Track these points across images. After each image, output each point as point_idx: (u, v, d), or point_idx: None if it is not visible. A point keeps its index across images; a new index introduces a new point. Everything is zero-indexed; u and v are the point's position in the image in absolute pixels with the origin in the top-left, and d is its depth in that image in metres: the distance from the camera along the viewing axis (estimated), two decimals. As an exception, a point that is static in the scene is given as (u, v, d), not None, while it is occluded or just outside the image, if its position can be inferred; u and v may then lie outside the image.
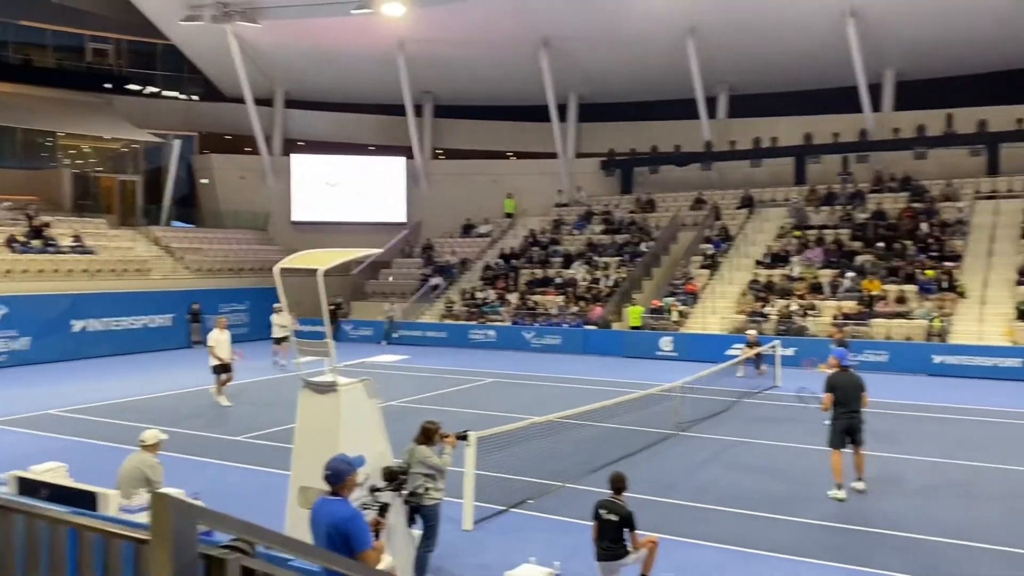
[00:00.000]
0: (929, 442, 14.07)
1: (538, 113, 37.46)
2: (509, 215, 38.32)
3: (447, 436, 8.22)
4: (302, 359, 8.48)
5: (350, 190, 38.95)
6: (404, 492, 7.66)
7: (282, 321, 21.68)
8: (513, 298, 31.15)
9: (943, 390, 19.49)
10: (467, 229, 38.54)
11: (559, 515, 10.00)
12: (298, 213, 38.65)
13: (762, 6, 29.36)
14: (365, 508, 5.92)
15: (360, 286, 36.18)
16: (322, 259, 8.34)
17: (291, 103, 40.45)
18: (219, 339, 17.83)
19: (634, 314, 27.62)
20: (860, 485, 11.04)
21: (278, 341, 22.83)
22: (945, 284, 24.85)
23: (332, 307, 31.70)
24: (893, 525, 9.73)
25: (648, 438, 13.93)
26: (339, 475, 5.21)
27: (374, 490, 6.40)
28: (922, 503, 10.63)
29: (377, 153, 40.52)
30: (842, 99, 32.56)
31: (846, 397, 11.02)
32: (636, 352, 26.11)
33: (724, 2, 29.84)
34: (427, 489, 7.90)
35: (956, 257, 26.16)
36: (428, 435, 8.07)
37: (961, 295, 24.50)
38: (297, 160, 39.03)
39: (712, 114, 35.57)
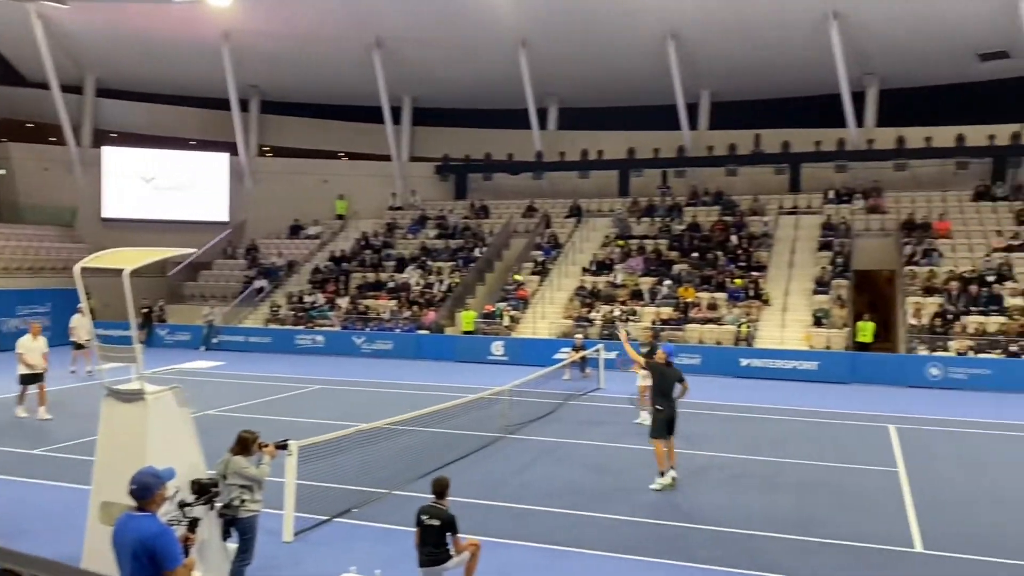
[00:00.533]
0: (735, 439, 15.03)
1: (371, 114, 37.03)
2: (340, 217, 37.60)
3: (266, 445, 7.88)
4: (105, 365, 7.89)
5: (168, 186, 36.83)
6: (217, 505, 7.27)
7: (81, 324, 20.20)
8: (343, 302, 30.54)
9: (749, 391, 20.92)
10: (295, 230, 37.44)
11: (384, 523, 9.85)
12: (109, 209, 36.09)
13: (591, 24, 30.44)
14: (173, 523, 5.56)
15: (177, 288, 34.29)
16: (130, 258, 7.79)
17: (103, 91, 37.79)
18: (30, 346, 16.31)
19: (467, 319, 27.81)
20: (673, 474, 11.64)
21: (78, 346, 21.17)
22: (752, 292, 26.73)
23: (145, 310, 29.83)
24: (705, 518, 10.30)
25: (476, 442, 14.03)
26: (146, 489, 4.86)
27: (183, 505, 6.02)
28: (728, 496, 11.32)
29: (199, 148, 38.55)
30: (663, 117, 34.34)
31: (668, 387, 11.62)
32: (468, 357, 26.28)
33: (556, 16, 30.70)
34: (243, 501, 7.54)
35: (762, 267, 28.19)
36: (245, 445, 7.70)
37: (766, 303, 26.42)
38: (109, 152, 36.45)
39: (543, 125, 36.51)
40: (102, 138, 37.54)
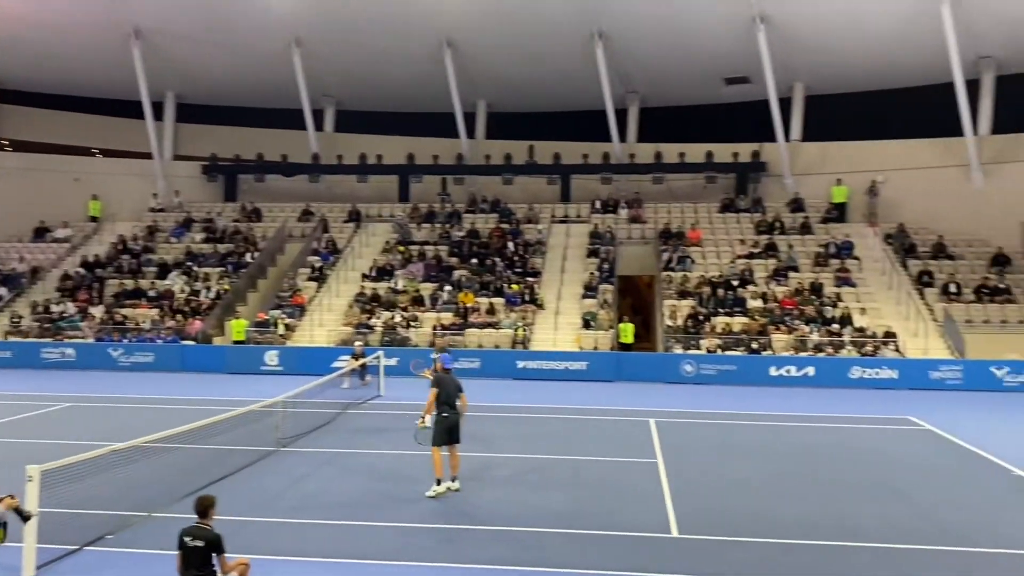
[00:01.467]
0: (512, 439, 15.47)
1: (131, 109, 34.37)
2: (94, 219, 34.55)
3: (7, 498, 6.99)
4: None
5: None
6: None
7: None
8: (98, 312, 28.04)
9: (525, 392, 21.64)
10: (40, 233, 33.88)
11: (142, 548, 9.10)
12: None
13: (367, 27, 30.20)
14: None
15: None
16: None
17: None
18: None
19: (237, 328, 26.52)
20: (455, 485, 11.72)
21: None
22: (527, 297, 27.70)
23: None
24: (483, 518, 10.48)
25: (247, 457, 13.38)
26: None
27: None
28: (505, 494, 11.60)
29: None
30: (442, 124, 34.78)
31: (448, 396, 11.69)
32: (240, 368, 25.08)
33: (331, 17, 30.16)
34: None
35: (536, 273, 29.32)
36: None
37: (540, 307, 27.49)
38: None
39: (320, 127, 35.68)
40: None
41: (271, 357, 25.38)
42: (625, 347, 25.97)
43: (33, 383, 22.09)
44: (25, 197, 33.87)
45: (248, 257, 30.89)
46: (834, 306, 26.00)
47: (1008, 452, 14.38)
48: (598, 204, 32.99)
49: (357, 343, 23.88)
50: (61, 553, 8.76)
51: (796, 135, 32.76)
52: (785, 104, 32.10)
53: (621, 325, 26.18)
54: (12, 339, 26.98)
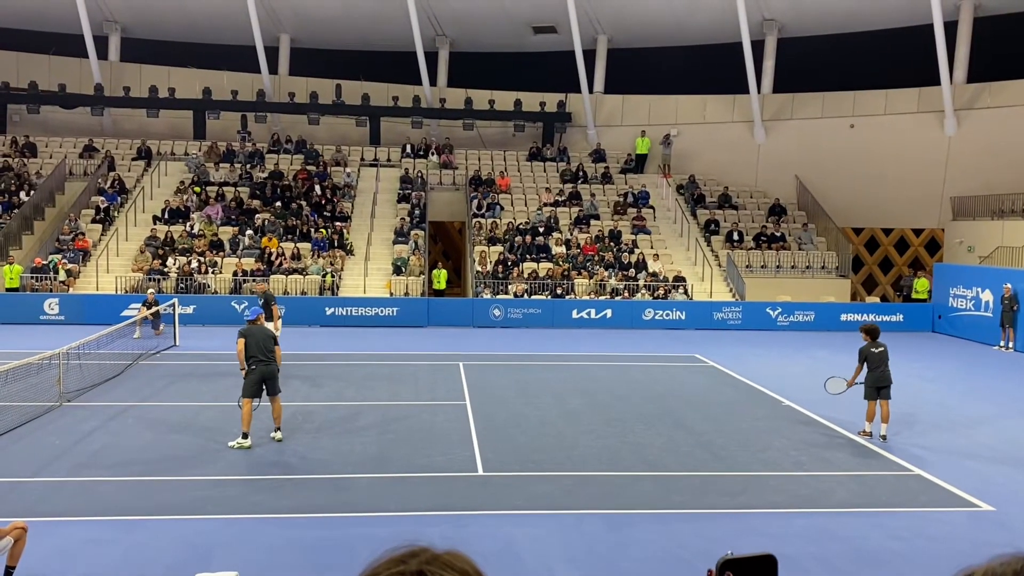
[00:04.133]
0: (320, 388, 15.23)
1: None
2: None
3: None
4: None
5: None
6: None
7: None
8: None
9: (334, 339, 21.31)
10: None
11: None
12: None
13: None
14: None
15: None
16: None
17: None
18: None
19: (10, 274, 24.06)
20: (277, 435, 11.38)
21: None
22: (336, 242, 27.09)
23: None
24: (292, 468, 10.30)
25: (24, 413, 12.31)
26: None
27: None
28: (313, 443, 11.44)
29: None
30: (242, 57, 32.83)
31: (258, 349, 11.27)
32: (14, 317, 22.87)
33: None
34: None
35: (345, 218, 28.68)
36: None
37: (350, 253, 26.99)
38: None
39: (103, 55, 32.62)
40: None
41: (51, 305, 23.30)
42: (438, 293, 26.12)
43: None
44: None
45: (22, 196, 27.96)
46: (631, 252, 27.45)
47: (778, 385, 15.95)
48: (408, 148, 32.63)
49: (149, 291, 22.43)
50: None
51: (599, 87, 33.87)
52: (589, 56, 33.02)
53: (435, 271, 26.25)
54: None
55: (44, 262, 24.88)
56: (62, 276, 24.52)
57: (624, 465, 10.73)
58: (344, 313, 24.34)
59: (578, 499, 9.43)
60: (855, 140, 30.77)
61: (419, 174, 31.09)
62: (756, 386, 16.10)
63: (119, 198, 28.64)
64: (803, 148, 31.42)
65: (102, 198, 28.44)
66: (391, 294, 25.58)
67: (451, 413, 13.42)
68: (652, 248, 28.01)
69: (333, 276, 25.58)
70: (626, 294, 25.71)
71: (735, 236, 28.62)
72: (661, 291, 25.84)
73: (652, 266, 26.85)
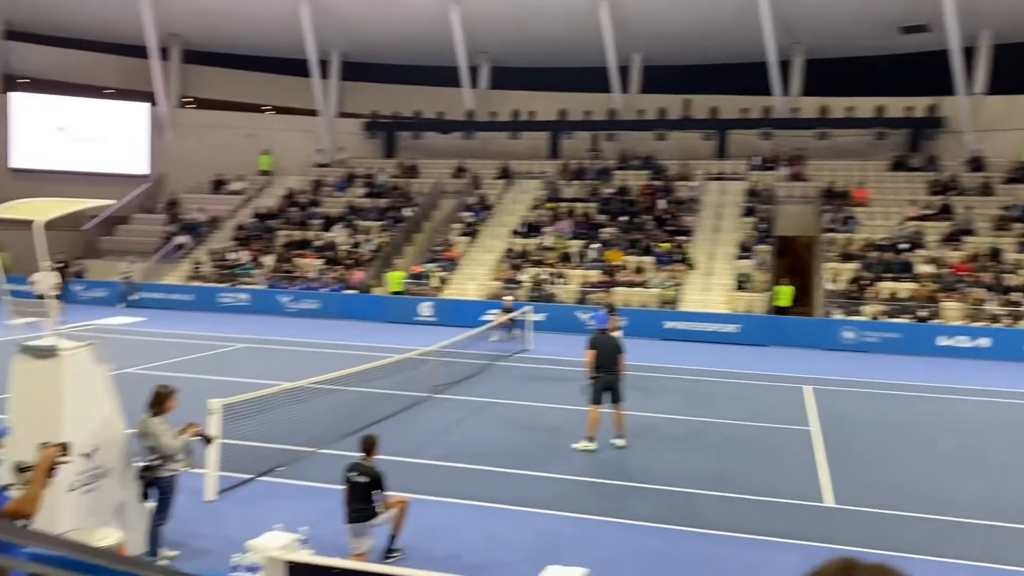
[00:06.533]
0: (661, 400, 15.37)
1: (299, 67, 35.99)
2: (265, 172, 36.65)
3: (190, 426, 7.64)
4: (18, 320, 7.55)
5: (83, 136, 35.27)
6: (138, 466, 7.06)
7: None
8: (269, 260, 29.91)
9: (672, 353, 21.36)
10: (218, 185, 36.37)
11: (310, 481, 9.79)
12: (19, 160, 34.44)
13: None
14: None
15: (94, 243, 33.02)
16: (42, 209, 7.45)
17: (13, 34, 35.73)
18: None
19: (395, 279, 27.59)
20: (620, 442, 11.81)
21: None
22: (678, 256, 27.19)
23: (60, 265, 28.66)
24: (631, 476, 10.54)
25: (404, 401, 14.01)
26: None
27: (22, 469, 5.57)
28: (654, 455, 11.59)
29: (117, 97, 36.93)
30: (595, 79, 34.33)
31: (604, 358, 11.77)
32: (396, 317, 26.12)
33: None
34: (163, 461, 7.37)
35: (688, 232, 28.68)
36: (160, 401, 7.48)
37: (691, 267, 26.93)
38: (19, 99, 34.68)
39: (475, 84, 36.12)
40: (11, 84, 35.61)
41: (425, 308, 26.29)
42: (781, 311, 25.07)
43: (211, 324, 23.92)
44: (205, 151, 36.35)
45: (405, 212, 31.96)
46: (1015, 273, 24.00)
47: None
48: (756, 161, 31.74)
49: (507, 297, 24.31)
50: (238, 481, 9.56)
51: (980, 88, 30.12)
52: (968, 55, 29.52)
53: (778, 287, 25.26)
54: (193, 283, 29.27)
55: (421, 269, 28.13)
56: (435, 282, 27.54)
57: (1003, 515, 9.39)
58: (683, 328, 24.25)
59: (945, 547, 8.44)
60: None
61: (767, 187, 30.07)
62: None
63: (483, 213, 31.47)
64: None
65: (469, 213, 31.47)
66: (732, 310, 25.02)
67: (795, 438, 12.77)
68: (1043, 270, 24.23)
69: (674, 290, 25.66)
70: (1009, 321, 22.53)
71: None
72: (1054, 320, 22.25)
73: (1043, 290, 23.24)
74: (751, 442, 12.49)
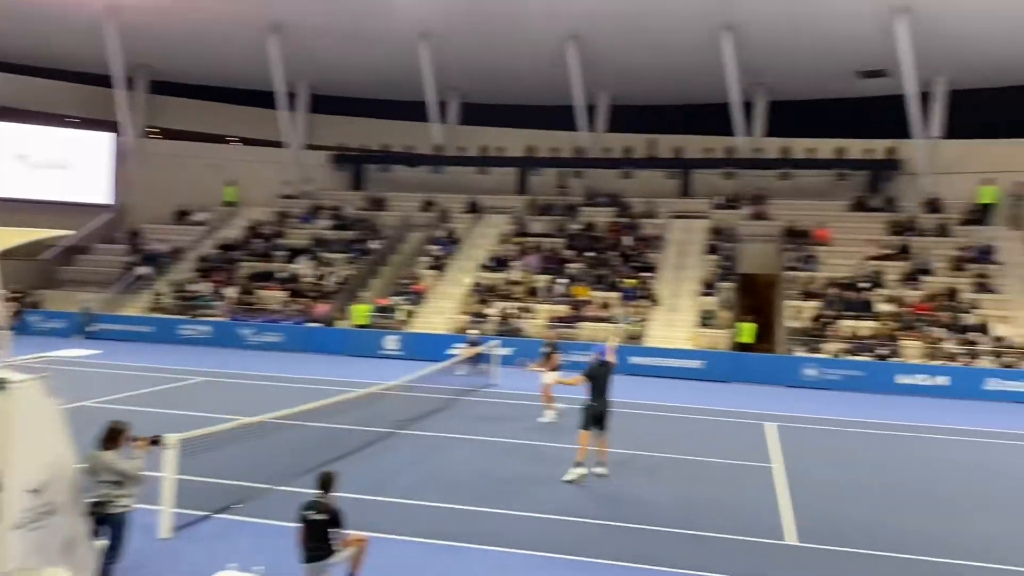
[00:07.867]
0: (622, 435, 15.31)
1: (266, 99, 35.97)
2: (229, 204, 36.37)
3: (137, 440, 7.50)
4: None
5: (43, 164, 34.77)
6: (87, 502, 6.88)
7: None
8: (231, 292, 29.55)
9: (637, 388, 21.34)
10: (181, 216, 36.01)
11: (268, 518, 9.56)
12: (-24, 186, 33.76)
13: (493, 21, 30.45)
14: None
15: (51, 273, 32.42)
16: (-3, 238, 7.28)
17: (-30, 60, 35.30)
18: None
19: (360, 312, 27.40)
20: (601, 470, 11.96)
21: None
22: (643, 292, 27.38)
23: (16, 295, 28.07)
24: (591, 514, 10.46)
25: (367, 437, 13.82)
26: None
27: None
28: (616, 490, 11.53)
29: (80, 126, 36.53)
30: (563, 117, 34.75)
31: (598, 389, 11.96)
32: (360, 351, 25.90)
33: (458, 11, 30.55)
34: (113, 498, 7.17)
35: (653, 269, 28.93)
36: (113, 437, 7.30)
37: (655, 303, 27.12)
38: (-24, 125, 34.08)
39: (444, 119, 36.33)
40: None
41: (391, 341, 26.11)
42: (743, 347, 25.29)
43: (171, 357, 23.51)
44: (169, 182, 36.01)
45: (372, 244, 31.84)
46: (970, 313, 24.51)
47: None
48: (720, 199, 32.21)
49: (472, 331, 24.24)
50: (194, 519, 9.31)
51: (936, 132, 30.97)
52: (925, 100, 30.40)
53: (741, 324, 25.49)
54: (154, 315, 28.79)
55: (388, 302, 27.97)
56: (402, 316, 27.39)
57: (958, 553, 9.47)
58: (647, 363, 24.36)
59: (905, 586, 8.47)
60: None
61: (730, 226, 30.50)
62: None
63: (451, 247, 31.47)
64: None
65: (437, 247, 31.45)
66: (696, 346, 25.19)
67: (756, 474, 12.81)
68: (999, 309, 24.78)
69: (638, 325, 25.78)
70: (966, 359, 22.94)
71: (1108, 299, 24.42)
72: (1010, 358, 22.70)
73: (998, 329, 23.74)
74: (714, 479, 12.49)
